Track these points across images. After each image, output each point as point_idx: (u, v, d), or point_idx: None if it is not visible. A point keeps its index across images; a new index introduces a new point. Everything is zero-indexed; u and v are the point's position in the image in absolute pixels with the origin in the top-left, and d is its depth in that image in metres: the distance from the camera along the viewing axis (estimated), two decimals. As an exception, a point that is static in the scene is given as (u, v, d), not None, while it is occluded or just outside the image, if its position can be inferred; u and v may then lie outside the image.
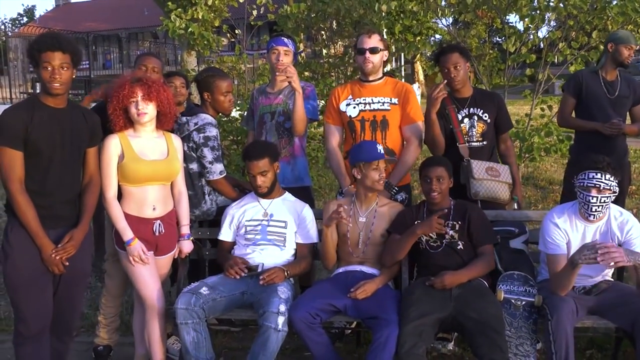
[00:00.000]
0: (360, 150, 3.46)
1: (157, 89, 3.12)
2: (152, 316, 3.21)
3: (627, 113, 4.46)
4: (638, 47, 4.39)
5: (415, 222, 3.38)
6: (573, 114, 4.49)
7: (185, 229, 3.41)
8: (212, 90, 3.65)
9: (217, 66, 8.37)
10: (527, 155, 6.79)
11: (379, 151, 3.39)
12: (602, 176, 3.03)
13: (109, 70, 25.44)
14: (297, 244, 3.53)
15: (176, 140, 3.33)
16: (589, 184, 3.04)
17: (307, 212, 3.56)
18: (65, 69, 2.77)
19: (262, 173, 3.43)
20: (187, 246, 3.43)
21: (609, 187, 3.03)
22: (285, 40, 3.88)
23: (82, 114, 2.98)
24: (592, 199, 3.03)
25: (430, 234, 3.33)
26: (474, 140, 3.79)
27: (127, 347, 3.75)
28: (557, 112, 4.50)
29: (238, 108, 6.83)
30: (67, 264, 2.85)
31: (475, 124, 3.80)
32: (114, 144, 3.13)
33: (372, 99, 3.73)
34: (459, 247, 3.30)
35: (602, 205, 3.05)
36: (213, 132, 3.56)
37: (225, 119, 6.61)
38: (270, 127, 3.99)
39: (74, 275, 2.94)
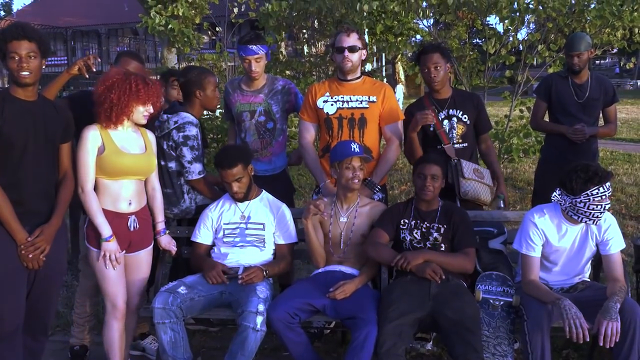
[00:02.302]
0: (335, 150, 3.47)
1: (157, 92, 3.14)
2: (113, 316, 3.14)
3: (601, 114, 4.50)
4: (589, 51, 4.31)
5: (402, 221, 3.39)
6: (547, 117, 4.54)
7: (161, 225, 3.39)
8: (205, 87, 3.61)
9: (197, 64, 8.35)
10: (506, 156, 6.85)
11: (352, 149, 3.39)
12: (605, 189, 3.02)
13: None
14: (276, 244, 3.51)
15: (151, 135, 3.31)
16: (595, 200, 3.02)
17: (285, 211, 3.54)
18: (32, 57, 2.74)
19: (237, 180, 3.41)
20: (165, 240, 3.41)
21: (609, 193, 3.04)
22: (254, 48, 3.82)
23: (54, 108, 2.93)
24: (601, 212, 3.05)
25: (415, 235, 3.32)
26: (455, 142, 3.81)
27: (104, 346, 3.70)
28: (531, 116, 4.55)
29: (219, 106, 6.77)
30: (44, 259, 2.81)
31: (455, 125, 3.81)
32: (93, 136, 3.08)
33: (350, 97, 3.73)
34: (441, 249, 3.31)
35: (604, 211, 3.08)
36: (193, 131, 3.53)
37: (205, 116, 6.57)
38: (250, 126, 3.98)
39: (49, 272, 2.89)
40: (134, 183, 3.17)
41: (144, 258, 3.31)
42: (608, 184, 3.03)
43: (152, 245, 3.35)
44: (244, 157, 3.46)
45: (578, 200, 3.05)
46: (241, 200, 3.49)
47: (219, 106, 6.66)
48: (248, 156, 3.51)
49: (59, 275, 2.99)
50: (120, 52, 3.85)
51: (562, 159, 4.25)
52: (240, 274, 3.29)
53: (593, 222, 3.11)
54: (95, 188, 3.12)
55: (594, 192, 3.02)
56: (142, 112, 3.13)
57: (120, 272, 3.15)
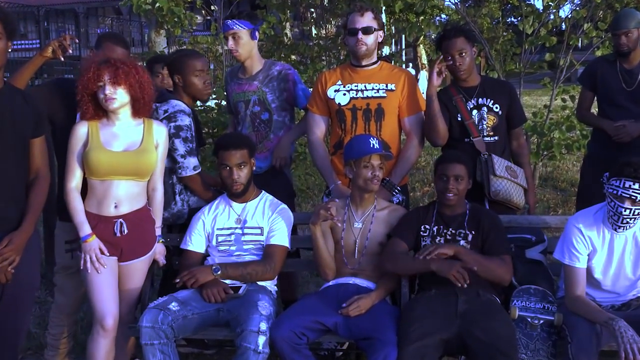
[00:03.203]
0: (351, 146, 3.48)
1: (126, 70, 3.11)
2: (98, 333, 3.15)
3: None
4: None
5: (423, 227, 3.39)
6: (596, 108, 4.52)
7: (157, 231, 3.42)
8: (183, 71, 3.63)
9: (189, 48, 8.39)
10: (545, 152, 6.82)
11: (371, 145, 3.40)
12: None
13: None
14: (265, 244, 3.50)
15: (159, 130, 3.32)
16: (623, 194, 3.01)
17: (283, 212, 3.55)
18: None
19: (239, 165, 3.43)
20: (157, 248, 3.43)
21: None
22: (229, 23, 3.92)
23: (24, 98, 2.94)
24: (625, 210, 3.03)
25: (438, 242, 3.33)
26: (485, 134, 3.81)
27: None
28: (576, 106, 4.52)
29: (214, 96, 6.81)
30: (13, 271, 2.81)
31: (485, 116, 3.81)
32: (80, 131, 3.18)
33: (365, 86, 3.74)
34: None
35: (635, 217, 3.06)
36: (186, 121, 3.55)
37: (200, 107, 6.60)
38: (244, 117, 4.02)
39: (18, 288, 2.88)
40: (125, 185, 3.20)
41: (139, 267, 3.34)
42: None
43: (151, 254, 3.38)
44: (251, 145, 3.51)
45: (611, 188, 3.04)
46: (237, 197, 3.51)
47: (214, 97, 6.77)
48: (254, 147, 3.55)
49: (29, 290, 2.99)
50: (102, 34, 3.86)
51: (609, 156, 4.23)
52: (242, 293, 3.31)
53: (621, 229, 3.09)
54: (88, 189, 3.19)
55: (627, 184, 2.99)
56: (103, 96, 3.10)
57: (110, 282, 3.18)
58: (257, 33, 3.99)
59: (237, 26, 3.91)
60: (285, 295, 4.11)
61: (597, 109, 4.58)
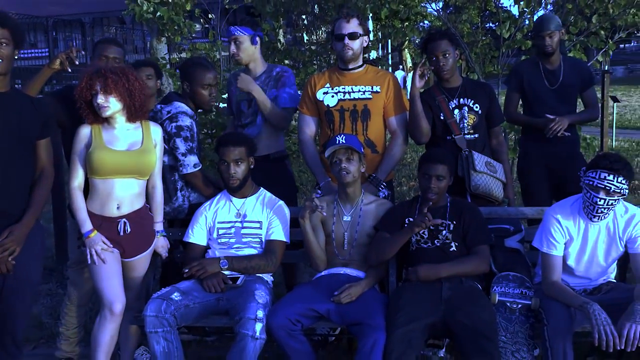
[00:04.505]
0: (326, 146, 3.51)
1: (115, 79, 3.08)
2: (106, 318, 3.14)
3: (580, 99, 4.39)
4: (560, 31, 4.21)
5: (407, 220, 3.39)
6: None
7: (159, 226, 3.41)
8: (192, 81, 3.63)
9: (189, 54, 8.36)
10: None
11: (336, 141, 3.41)
12: (614, 178, 2.98)
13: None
14: (265, 240, 3.50)
15: (155, 131, 3.32)
16: (598, 185, 3.01)
17: (282, 208, 3.55)
18: (4, 44, 2.76)
19: (236, 161, 3.42)
20: (160, 243, 3.43)
21: (619, 190, 3.00)
22: (232, 29, 3.96)
23: (31, 102, 2.95)
24: (600, 200, 3.02)
25: (422, 234, 3.34)
26: (466, 132, 3.81)
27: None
28: (503, 109, 4.47)
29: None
30: (14, 262, 2.80)
31: (466, 115, 3.81)
32: (83, 133, 3.18)
33: (352, 88, 3.74)
34: (451, 249, 3.32)
35: (609, 208, 3.06)
36: (187, 121, 3.55)
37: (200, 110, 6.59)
38: (247, 115, 4.02)
39: (17, 283, 2.87)
40: (127, 183, 3.19)
41: (142, 261, 3.35)
42: (621, 179, 2.99)
43: (151, 248, 3.38)
44: (249, 144, 3.50)
45: (587, 179, 3.04)
46: (235, 191, 3.51)
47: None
48: (254, 146, 3.55)
49: (28, 286, 2.96)
50: (98, 41, 3.86)
51: (545, 151, 4.25)
52: (240, 283, 3.31)
53: (596, 218, 3.09)
54: (90, 189, 3.18)
55: (602, 176, 2.99)
56: (96, 105, 3.08)
57: (115, 270, 3.17)
58: (257, 38, 4.00)
59: (239, 32, 3.93)
60: (289, 281, 4.17)
61: (523, 110, 4.52)
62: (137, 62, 4.14)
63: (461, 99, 3.83)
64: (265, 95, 3.90)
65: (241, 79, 3.91)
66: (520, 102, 4.50)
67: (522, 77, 4.34)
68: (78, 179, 3.18)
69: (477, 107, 3.83)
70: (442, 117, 3.81)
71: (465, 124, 3.81)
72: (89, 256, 3.13)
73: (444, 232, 3.34)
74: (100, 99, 3.07)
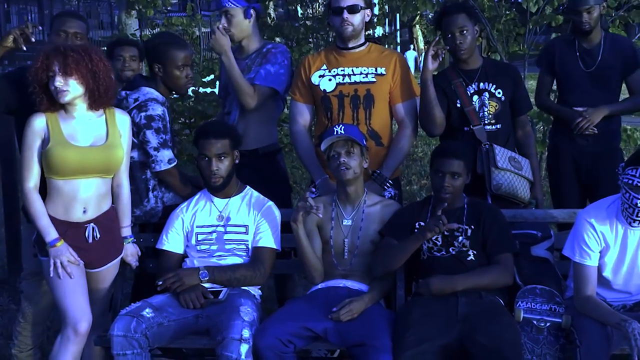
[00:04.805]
0: (321, 138, 3.51)
1: (77, 59, 3.06)
2: (69, 339, 3.12)
3: (623, 85, 4.35)
4: (601, 5, 4.16)
5: (418, 224, 3.40)
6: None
7: (127, 231, 3.42)
8: (165, 62, 3.62)
9: (163, 30, 8.34)
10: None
11: (333, 132, 3.41)
12: None
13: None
14: (252, 247, 3.50)
15: (122, 119, 3.31)
16: (639, 184, 3.00)
17: (272, 210, 3.55)
18: None
19: (218, 156, 3.42)
20: (129, 250, 3.43)
21: None
22: (224, 0, 3.92)
23: None
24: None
25: (435, 241, 3.34)
26: (486, 122, 3.82)
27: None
28: (535, 93, 4.43)
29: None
30: None
31: (487, 102, 3.82)
32: (38, 124, 3.13)
33: (352, 70, 3.74)
34: (468, 258, 3.32)
35: None
36: (158, 110, 3.54)
37: (175, 95, 6.59)
38: (233, 99, 4.01)
39: None
40: (94, 183, 3.19)
41: (110, 271, 3.36)
42: None
43: (121, 256, 3.39)
44: (234, 135, 3.50)
45: (626, 178, 3.02)
46: (217, 190, 3.51)
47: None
48: (239, 138, 3.55)
49: None
50: (56, 14, 3.86)
51: (574, 149, 4.24)
52: (224, 298, 3.31)
53: (631, 221, 3.08)
54: (49, 191, 3.16)
55: (637, 173, 2.98)
56: (54, 88, 3.07)
57: (81, 285, 3.18)
58: (252, 11, 3.99)
59: (230, 4, 3.91)
60: (281, 294, 4.19)
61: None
62: (118, 41, 4.16)
63: (481, 84, 3.84)
64: (235, 63, 3.86)
65: (215, 39, 3.87)
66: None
67: (553, 57, 4.33)
68: (34, 178, 3.14)
69: (499, 93, 3.84)
70: (458, 105, 3.82)
71: (486, 113, 3.82)
72: (52, 268, 3.12)
73: (460, 238, 3.34)
74: (59, 82, 3.05)
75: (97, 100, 3.18)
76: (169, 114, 3.66)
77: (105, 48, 4.41)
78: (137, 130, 3.52)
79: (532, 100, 4.27)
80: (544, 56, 4.43)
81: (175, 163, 3.62)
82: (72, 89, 3.08)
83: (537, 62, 4.56)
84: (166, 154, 3.57)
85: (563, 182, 4.35)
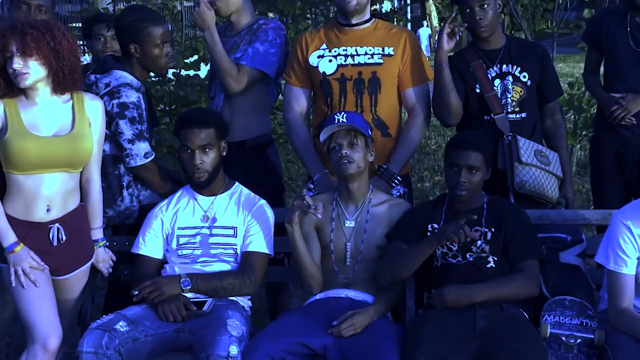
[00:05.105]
0: (321, 127, 3.52)
1: (37, 37, 3.05)
2: (35, 356, 3.13)
3: None
4: None
5: (430, 227, 3.40)
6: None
7: (98, 233, 3.42)
8: (142, 41, 3.62)
9: (141, 4, 8.34)
10: (584, 133, 6.85)
11: (334, 120, 3.41)
12: None
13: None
14: (241, 252, 3.51)
15: (92, 105, 3.31)
16: None
17: (261, 210, 3.56)
18: None
19: (203, 148, 3.42)
20: (100, 255, 3.44)
21: None
22: None
23: None
24: None
25: (450, 245, 3.34)
26: (509, 110, 3.82)
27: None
28: (583, 70, 4.42)
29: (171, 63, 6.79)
30: None
31: (510, 87, 3.82)
32: None
33: (356, 50, 3.74)
34: (488, 265, 3.33)
35: None
36: (132, 97, 3.55)
37: (154, 78, 6.58)
38: (219, 82, 4.02)
39: None
40: (60, 178, 3.20)
41: (79, 278, 3.37)
42: None
43: (91, 262, 3.40)
44: (220, 124, 3.52)
45: None
46: (202, 187, 3.51)
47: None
48: (225, 127, 3.56)
49: None
50: None
51: (617, 137, 4.20)
52: (208, 310, 3.31)
53: None
54: (7, 187, 3.16)
55: None
56: (12, 71, 3.06)
57: (48, 295, 3.18)
58: None
59: None
60: (273, 307, 4.20)
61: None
62: (97, 17, 4.17)
63: (504, 66, 3.84)
64: (218, 40, 3.87)
65: (198, 12, 3.88)
66: None
67: (599, 32, 4.29)
68: None
69: (525, 77, 3.84)
70: (477, 90, 3.82)
71: (509, 99, 3.83)
72: (12, 277, 3.13)
73: (479, 242, 3.34)
74: (17, 64, 3.05)
75: (62, 83, 3.18)
76: (145, 101, 3.66)
77: (81, 25, 4.42)
78: (109, 120, 3.53)
79: (564, 86, 4.26)
80: (590, 30, 4.42)
81: (152, 157, 3.63)
82: (32, 71, 3.08)
83: (584, 37, 4.54)
84: (142, 146, 3.57)
85: (604, 178, 4.32)
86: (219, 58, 3.87)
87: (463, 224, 3.14)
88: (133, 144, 3.56)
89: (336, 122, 3.41)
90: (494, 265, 3.32)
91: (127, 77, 3.58)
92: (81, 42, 5.06)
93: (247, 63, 3.92)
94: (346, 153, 3.38)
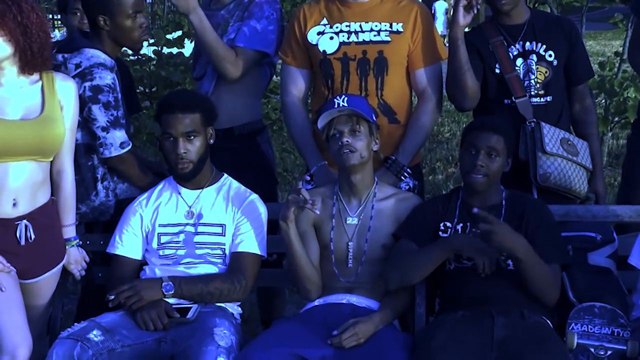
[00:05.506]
0: (319, 113, 3.52)
1: (2, 11, 3.07)
2: None
3: None
4: None
5: (442, 224, 3.42)
6: None
7: (70, 231, 3.44)
8: (113, 12, 3.62)
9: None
10: (617, 119, 6.85)
11: (334, 104, 3.41)
12: None
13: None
14: (230, 253, 3.52)
15: (64, 88, 3.32)
16: None
17: (253, 206, 3.57)
18: None
19: (187, 135, 3.43)
20: (73, 255, 3.45)
21: None
22: None
23: None
24: None
25: None
26: (533, 93, 3.83)
27: None
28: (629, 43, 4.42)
29: (152, 40, 6.79)
30: None
31: (534, 67, 3.83)
32: None
33: (360, 26, 3.74)
34: (508, 269, 3.33)
35: None
36: (107, 78, 3.56)
37: (132, 56, 6.59)
38: (206, 59, 4.04)
39: None
40: (28, 168, 3.20)
41: (49, 282, 3.38)
42: None
43: (62, 263, 3.41)
44: (207, 109, 3.52)
45: None
46: (188, 177, 3.52)
47: (152, 41, 6.74)
48: (212, 112, 3.57)
49: None
50: None
51: None
52: (193, 317, 3.33)
53: None
54: None
55: None
56: None
57: (16, 300, 3.18)
58: None
59: None
60: (264, 314, 4.22)
61: None
62: None
63: (527, 43, 3.85)
64: (207, 23, 3.88)
65: None
66: None
67: None
68: None
69: (551, 56, 3.85)
70: (497, 71, 3.84)
71: (533, 81, 3.84)
72: None
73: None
74: None
75: (30, 62, 3.18)
76: (120, 82, 3.66)
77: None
78: (81, 105, 3.52)
79: (595, 66, 4.26)
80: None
81: (129, 147, 3.64)
82: None
83: (633, 8, 4.51)
84: (118, 135, 3.58)
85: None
86: (211, 44, 3.87)
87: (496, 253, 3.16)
88: (107, 132, 3.57)
89: (336, 106, 3.41)
90: (513, 269, 3.31)
91: (100, 55, 3.58)
92: (51, 16, 5.09)
93: (246, 45, 3.93)
94: (347, 141, 3.38)
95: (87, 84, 3.53)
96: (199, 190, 3.57)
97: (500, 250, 3.17)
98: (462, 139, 3.47)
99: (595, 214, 3.72)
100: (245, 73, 3.97)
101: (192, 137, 3.44)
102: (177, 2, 3.88)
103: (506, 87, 3.82)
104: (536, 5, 7.27)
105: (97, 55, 3.58)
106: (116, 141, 3.58)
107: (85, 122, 3.56)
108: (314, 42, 3.80)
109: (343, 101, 3.42)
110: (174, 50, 7.10)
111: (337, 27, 3.77)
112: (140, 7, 3.68)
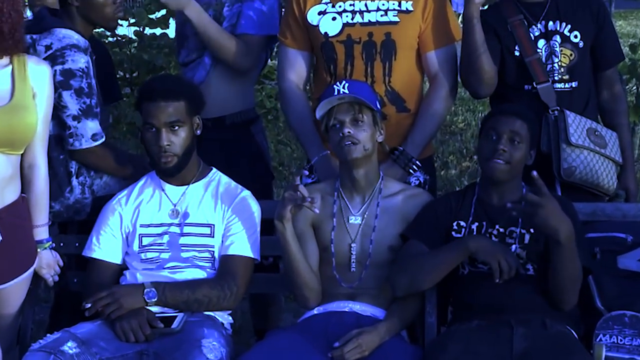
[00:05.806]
0: (319, 100, 3.52)
1: None
2: None
3: None
4: None
5: (456, 224, 3.42)
6: None
7: (42, 232, 3.44)
8: None
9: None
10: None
11: (336, 92, 3.41)
12: None
13: None
14: (220, 256, 3.53)
15: (37, 72, 3.33)
16: None
17: (244, 203, 3.58)
18: None
19: (171, 126, 3.42)
20: (45, 259, 3.45)
21: None
22: None
23: None
24: None
25: None
26: (557, 78, 3.83)
27: None
28: None
29: (133, 20, 6.80)
30: None
31: (558, 49, 3.83)
32: None
33: (366, 4, 3.74)
34: (528, 274, 3.34)
35: None
36: (80, 62, 3.57)
37: (111, 37, 6.59)
38: (195, 44, 4.05)
39: None
40: None
41: (19, 288, 3.39)
42: None
43: (33, 267, 3.42)
44: (193, 96, 3.52)
45: None
46: (172, 172, 3.51)
47: (133, 21, 6.75)
48: (199, 100, 3.57)
49: None
50: None
51: None
52: (179, 327, 3.33)
53: None
54: None
55: None
56: None
57: None
58: None
59: None
60: (257, 323, 4.24)
61: None
62: None
63: (550, 23, 3.85)
64: (206, 15, 3.90)
65: None
66: None
67: None
68: None
69: (576, 37, 3.85)
70: (517, 53, 3.84)
71: (556, 65, 3.84)
72: None
73: (513, 246, 3.35)
74: None
75: (0, 44, 3.19)
76: (97, 66, 3.65)
77: None
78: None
79: (625, 49, 4.27)
80: None
81: (102, 140, 3.65)
82: None
83: None
84: (90, 126, 3.59)
85: None
86: (215, 38, 3.90)
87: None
88: (79, 122, 3.57)
89: (336, 93, 3.40)
90: (533, 274, 3.33)
91: (73, 36, 3.59)
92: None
93: (257, 31, 3.97)
94: (349, 132, 3.37)
95: (58, 67, 3.53)
96: (185, 187, 3.57)
97: (542, 228, 3.10)
98: (481, 128, 3.47)
99: (625, 212, 3.71)
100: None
101: (176, 128, 3.43)
102: (167, 0, 3.89)
103: (526, 72, 3.81)
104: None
105: (69, 35, 3.58)
106: (88, 132, 3.58)
107: (55, 110, 3.54)
108: (314, 23, 3.79)
109: (344, 87, 3.41)
110: (157, 31, 7.10)
111: (340, 6, 3.75)
112: None
